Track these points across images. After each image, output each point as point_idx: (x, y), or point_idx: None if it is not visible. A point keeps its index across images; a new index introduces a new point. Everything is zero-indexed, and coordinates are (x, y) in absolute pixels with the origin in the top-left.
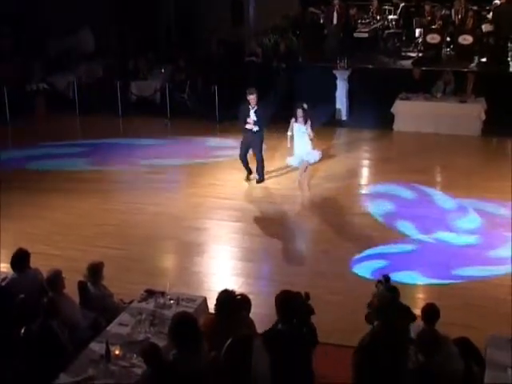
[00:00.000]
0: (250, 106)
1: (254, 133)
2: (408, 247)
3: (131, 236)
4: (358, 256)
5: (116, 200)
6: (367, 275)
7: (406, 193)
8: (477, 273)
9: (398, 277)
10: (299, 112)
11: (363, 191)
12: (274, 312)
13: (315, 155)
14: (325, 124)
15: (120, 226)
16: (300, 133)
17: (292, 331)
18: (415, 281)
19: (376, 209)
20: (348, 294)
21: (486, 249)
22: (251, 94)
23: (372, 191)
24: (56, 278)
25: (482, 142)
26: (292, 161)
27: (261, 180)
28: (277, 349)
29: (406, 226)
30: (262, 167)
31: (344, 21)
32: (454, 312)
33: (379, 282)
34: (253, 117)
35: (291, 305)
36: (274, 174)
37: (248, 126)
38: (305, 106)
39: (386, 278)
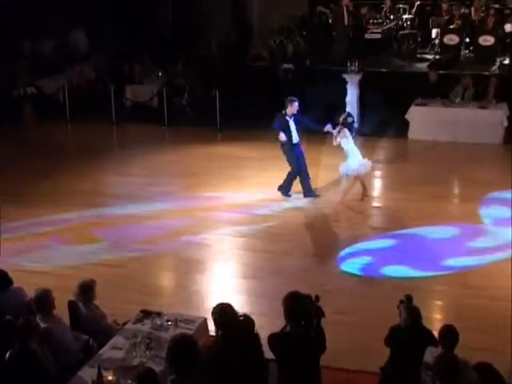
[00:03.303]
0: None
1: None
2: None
3: (126, 252)
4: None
5: (109, 213)
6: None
7: None
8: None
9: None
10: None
11: (375, 204)
12: None
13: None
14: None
15: (114, 241)
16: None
17: (300, 334)
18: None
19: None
20: (357, 314)
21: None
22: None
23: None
24: (45, 298)
25: (504, 150)
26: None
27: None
28: (284, 352)
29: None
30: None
31: (352, 21)
32: (474, 335)
33: (401, 302)
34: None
35: (299, 307)
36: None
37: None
38: (343, 116)
39: (409, 299)
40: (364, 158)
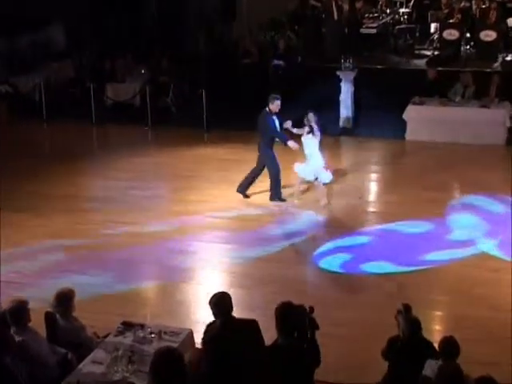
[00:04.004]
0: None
1: None
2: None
3: (107, 260)
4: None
5: (91, 218)
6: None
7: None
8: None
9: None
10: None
11: (371, 209)
12: None
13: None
14: (328, 132)
15: (95, 248)
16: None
17: (292, 346)
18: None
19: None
20: (354, 326)
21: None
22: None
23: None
24: (20, 310)
25: (506, 151)
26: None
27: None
28: (276, 365)
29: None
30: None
31: (346, 16)
32: (474, 346)
33: (399, 312)
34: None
35: (291, 317)
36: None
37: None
38: (310, 114)
39: (407, 308)
40: (326, 168)
